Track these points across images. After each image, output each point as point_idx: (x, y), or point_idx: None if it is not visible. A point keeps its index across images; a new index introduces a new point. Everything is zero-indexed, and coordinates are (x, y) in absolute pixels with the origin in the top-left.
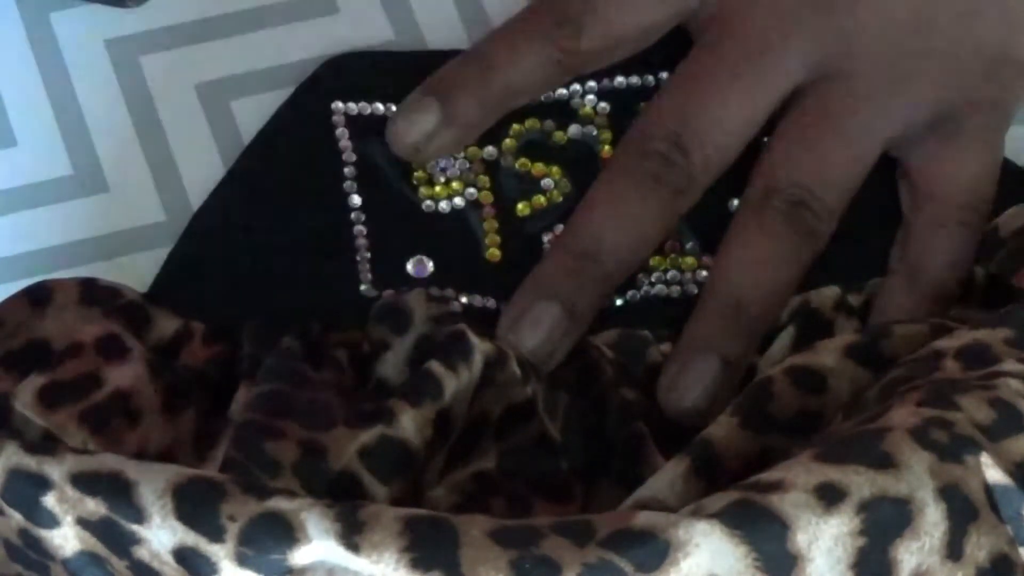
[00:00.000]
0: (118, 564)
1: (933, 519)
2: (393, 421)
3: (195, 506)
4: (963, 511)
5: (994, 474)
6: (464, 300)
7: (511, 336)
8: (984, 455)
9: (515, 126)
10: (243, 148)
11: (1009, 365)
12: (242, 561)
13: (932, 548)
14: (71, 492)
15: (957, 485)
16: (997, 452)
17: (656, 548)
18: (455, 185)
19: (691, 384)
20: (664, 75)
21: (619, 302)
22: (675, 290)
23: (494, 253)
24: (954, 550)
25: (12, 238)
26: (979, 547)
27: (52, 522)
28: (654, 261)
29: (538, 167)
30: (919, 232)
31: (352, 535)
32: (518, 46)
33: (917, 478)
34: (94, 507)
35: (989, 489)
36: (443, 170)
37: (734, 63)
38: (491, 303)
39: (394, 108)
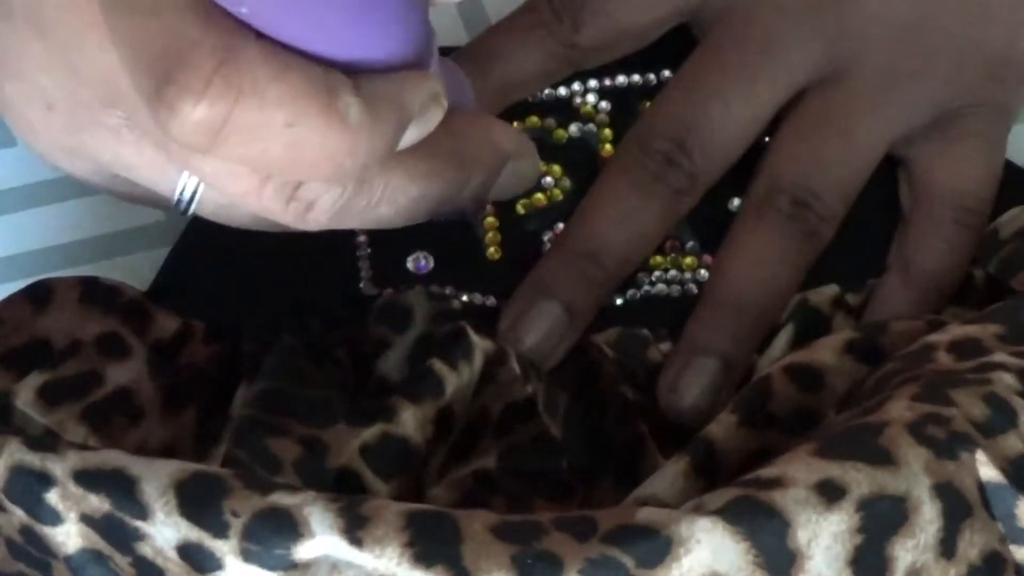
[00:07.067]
0: (121, 561)
1: (928, 516)
2: (394, 419)
3: (198, 502)
4: (957, 509)
5: (987, 471)
6: (464, 298)
7: (511, 334)
8: (979, 452)
9: (516, 124)
10: None
11: (1001, 357)
12: (246, 556)
13: (927, 545)
14: (74, 489)
15: (951, 482)
16: (991, 449)
17: (658, 544)
18: None
19: (691, 384)
20: (666, 74)
21: (619, 301)
22: (675, 289)
23: (494, 251)
24: (948, 547)
25: (12, 238)
26: (972, 545)
27: (55, 519)
28: (654, 260)
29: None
30: (917, 231)
31: (355, 530)
32: (517, 38)
33: (914, 475)
34: (97, 504)
35: (982, 486)
36: None
37: (737, 63)
38: (491, 301)
39: None
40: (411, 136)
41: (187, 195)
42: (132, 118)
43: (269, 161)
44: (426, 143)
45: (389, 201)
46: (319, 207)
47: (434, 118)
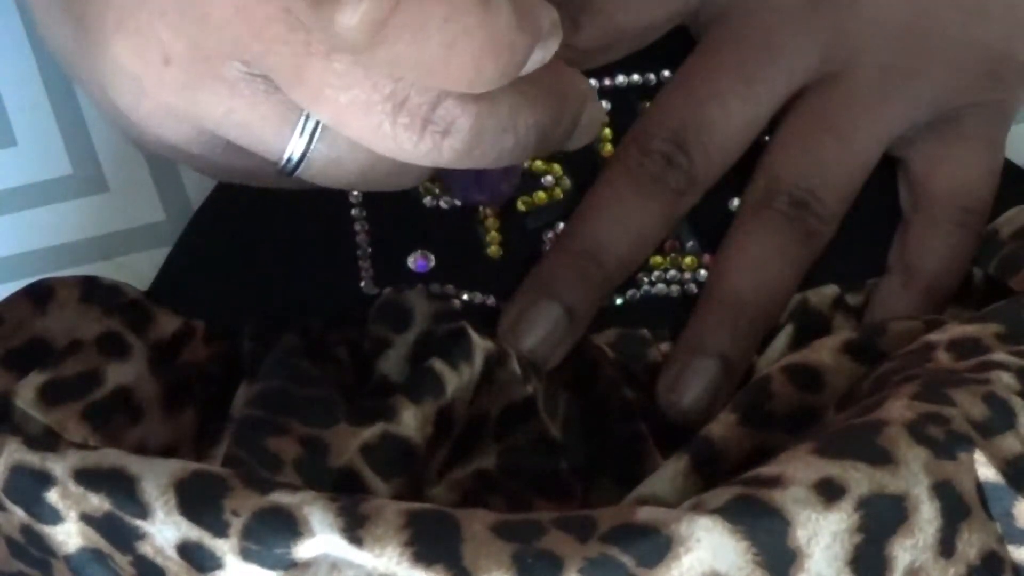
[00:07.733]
0: (121, 560)
1: (927, 516)
2: (395, 418)
3: (198, 501)
4: (956, 508)
5: (986, 472)
6: (464, 297)
7: (511, 335)
8: (977, 452)
9: None
10: None
11: (1000, 356)
12: (246, 555)
13: (925, 545)
14: (74, 488)
15: (950, 482)
16: (989, 449)
17: (658, 543)
18: None
19: (691, 384)
20: (666, 74)
21: (619, 301)
22: (675, 290)
23: (495, 250)
24: (946, 547)
25: (12, 238)
26: (970, 545)
27: (55, 518)
28: (654, 261)
29: (538, 165)
30: (917, 232)
31: (355, 529)
32: None
33: (913, 475)
34: (97, 503)
35: (980, 487)
36: None
37: (736, 63)
38: (491, 301)
39: None
40: (536, 57)
41: (297, 153)
42: (259, 63)
43: (421, 62)
44: (534, 72)
45: (513, 128)
46: (456, 131)
47: (555, 44)
